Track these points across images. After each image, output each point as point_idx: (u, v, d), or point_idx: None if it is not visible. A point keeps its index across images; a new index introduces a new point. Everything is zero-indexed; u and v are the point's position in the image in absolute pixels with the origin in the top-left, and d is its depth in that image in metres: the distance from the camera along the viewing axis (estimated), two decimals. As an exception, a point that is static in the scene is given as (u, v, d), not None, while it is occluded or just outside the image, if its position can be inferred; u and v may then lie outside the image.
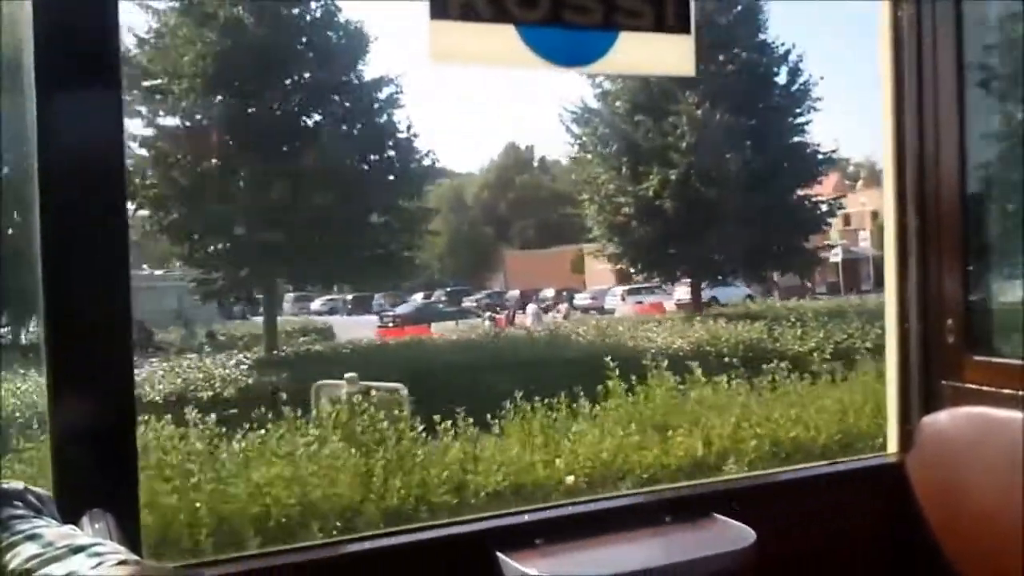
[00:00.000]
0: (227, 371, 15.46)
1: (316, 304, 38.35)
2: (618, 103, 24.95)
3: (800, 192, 25.77)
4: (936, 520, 2.83)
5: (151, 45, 19.67)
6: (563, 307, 32.81)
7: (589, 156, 26.00)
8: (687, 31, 2.72)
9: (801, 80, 25.49)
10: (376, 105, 21.58)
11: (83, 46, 1.97)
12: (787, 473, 3.40)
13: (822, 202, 26.55)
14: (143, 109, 19.77)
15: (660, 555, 2.52)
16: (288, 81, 20.39)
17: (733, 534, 2.49)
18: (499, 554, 2.34)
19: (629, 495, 2.97)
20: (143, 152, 19.62)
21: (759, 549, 2.40)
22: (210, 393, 13.82)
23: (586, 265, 47.36)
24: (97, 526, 1.72)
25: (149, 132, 19.52)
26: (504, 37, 2.55)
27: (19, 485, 1.36)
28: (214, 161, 19.51)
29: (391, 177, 21.57)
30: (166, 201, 19.27)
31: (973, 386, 2.84)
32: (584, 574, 2.41)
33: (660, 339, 17.88)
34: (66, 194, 1.95)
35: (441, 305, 33.28)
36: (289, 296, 36.66)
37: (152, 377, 14.44)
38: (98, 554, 1.18)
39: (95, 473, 1.96)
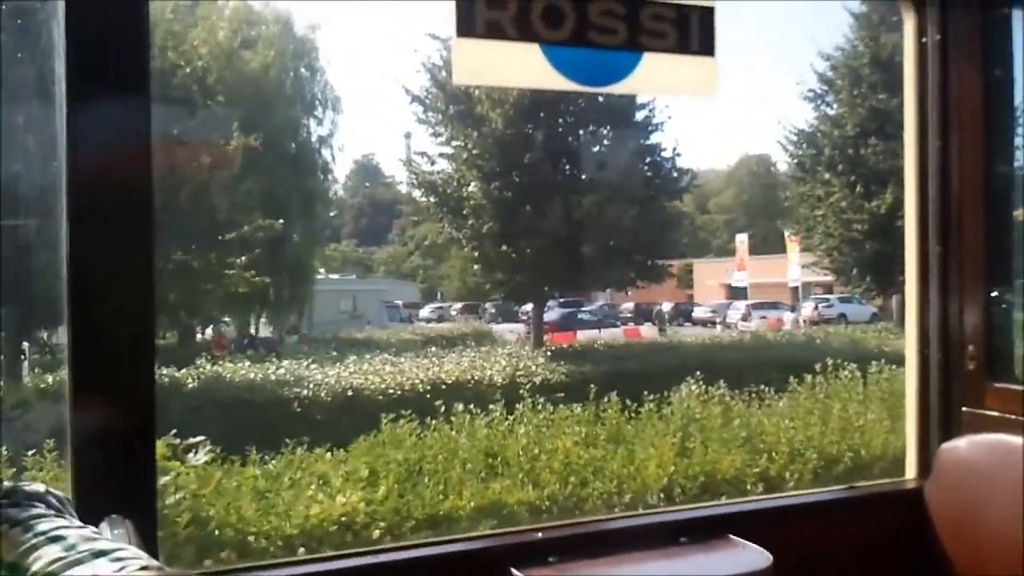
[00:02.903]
0: (526, 363, 16.76)
1: (424, 312, 39.82)
2: (847, 127, 25.11)
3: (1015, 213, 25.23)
4: (953, 546, 2.74)
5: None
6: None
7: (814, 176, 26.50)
8: (711, 54, 2.73)
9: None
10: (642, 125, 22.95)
11: (114, 55, 1.96)
12: (804, 496, 3.31)
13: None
14: (444, 132, 21.44)
15: None
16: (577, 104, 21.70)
17: (749, 556, 2.46)
18: (514, 571, 2.34)
19: (644, 514, 2.95)
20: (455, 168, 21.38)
21: (774, 572, 2.37)
22: (539, 379, 15.14)
23: (696, 280, 47.41)
24: (116, 532, 1.70)
25: (474, 152, 20.91)
26: (529, 56, 2.58)
27: (40, 487, 1.35)
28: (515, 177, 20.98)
29: (651, 193, 22.79)
30: (483, 212, 20.70)
31: (993, 413, 2.75)
32: None
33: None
34: (94, 201, 1.94)
35: (582, 315, 34.25)
36: (398, 302, 38.19)
37: (480, 364, 16.10)
38: (120, 559, 1.16)
39: (114, 479, 1.92)
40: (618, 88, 2.77)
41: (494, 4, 2.53)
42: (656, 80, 2.78)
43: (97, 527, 1.63)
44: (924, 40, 2.89)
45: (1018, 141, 2.84)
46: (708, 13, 2.72)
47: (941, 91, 2.87)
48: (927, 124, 2.89)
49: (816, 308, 34.50)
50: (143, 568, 1.15)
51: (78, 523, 1.32)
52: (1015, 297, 2.89)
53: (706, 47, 2.72)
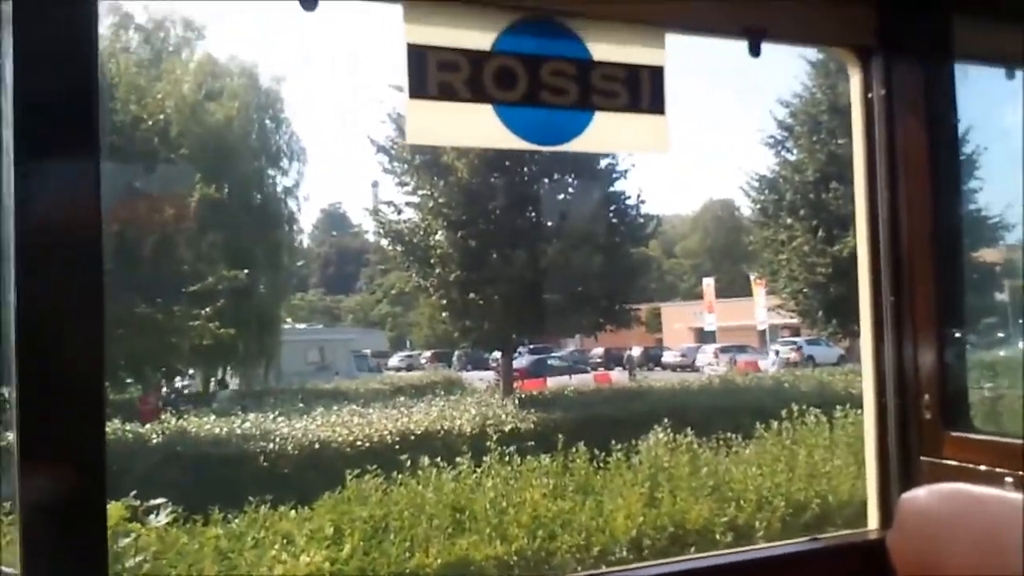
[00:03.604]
0: (496, 411, 16.60)
1: (393, 360, 39.83)
2: (808, 172, 25.57)
3: (975, 254, 25.82)
4: None
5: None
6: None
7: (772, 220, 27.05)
8: (662, 112, 2.78)
9: (969, 150, 25.54)
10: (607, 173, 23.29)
11: (64, 113, 1.95)
12: (768, 549, 3.30)
13: (997, 265, 26.49)
14: (410, 181, 21.55)
15: None
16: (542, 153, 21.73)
17: None
18: None
19: (609, 572, 2.92)
20: (419, 218, 21.52)
21: None
22: (509, 427, 15.04)
23: (664, 324, 47.81)
24: None
25: (440, 201, 21.00)
26: (482, 116, 2.61)
27: None
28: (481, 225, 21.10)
29: (616, 239, 23.00)
30: (450, 260, 20.81)
31: (952, 462, 2.77)
32: None
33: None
34: (42, 259, 1.90)
35: (552, 361, 34.54)
36: (367, 351, 38.23)
37: (450, 414, 15.95)
38: None
39: (64, 549, 1.87)
40: (571, 147, 2.80)
41: (446, 66, 2.55)
42: (608, 138, 2.81)
43: None
44: (870, 95, 2.95)
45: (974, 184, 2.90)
46: (658, 72, 2.76)
47: (888, 144, 2.92)
48: (876, 176, 2.94)
49: (799, 349, 34.84)
50: None
51: None
52: (973, 339, 2.92)
53: (657, 105, 2.76)
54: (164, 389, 23.74)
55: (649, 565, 3.12)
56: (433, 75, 2.57)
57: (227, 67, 27.09)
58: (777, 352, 35.29)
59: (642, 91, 2.74)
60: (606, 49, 2.71)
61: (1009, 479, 2.57)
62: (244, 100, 26.26)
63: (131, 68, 21.16)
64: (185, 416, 15.65)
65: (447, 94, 2.57)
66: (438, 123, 2.64)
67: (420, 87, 2.55)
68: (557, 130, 2.75)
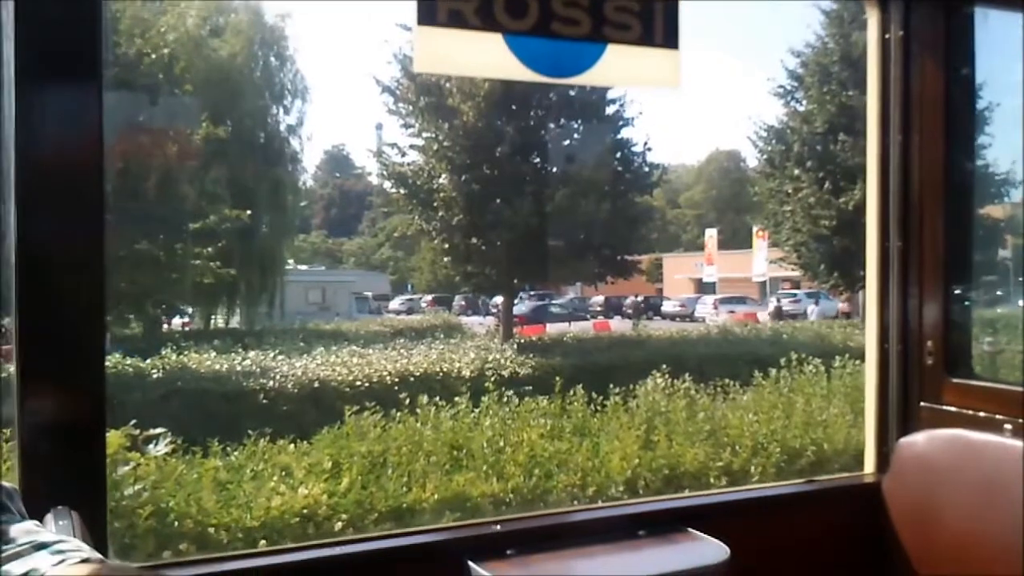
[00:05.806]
0: (495, 355, 16.67)
1: (394, 304, 40.07)
2: (817, 123, 25.29)
3: (981, 211, 25.64)
4: (911, 541, 2.76)
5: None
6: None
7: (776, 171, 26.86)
8: (675, 46, 2.73)
9: (981, 106, 25.30)
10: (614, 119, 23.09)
11: (65, 41, 1.92)
12: (762, 490, 3.31)
13: (1001, 222, 26.38)
14: (415, 123, 21.33)
15: (632, 569, 2.48)
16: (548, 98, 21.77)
17: (707, 550, 2.46)
18: (470, 563, 2.33)
19: (603, 507, 2.94)
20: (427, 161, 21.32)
21: (732, 565, 2.38)
22: (508, 372, 15.23)
23: (665, 274, 48.08)
24: (61, 523, 1.69)
25: (445, 144, 20.83)
26: (491, 46, 2.56)
27: None
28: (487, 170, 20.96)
29: (622, 187, 22.86)
30: (453, 204, 20.71)
31: (951, 408, 2.77)
32: None
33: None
34: (43, 187, 1.90)
35: (552, 308, 34.79)
36: (368, 294, 38.41)
37: (449, 357, 16.00)
38: (61, 551, 1.13)
39: (62, 470, 1.90)
40: (581, 79, 2.76)
41: None
42: (620, 72, 2.75)
43: (43, 519, 1.62)
44: (887, 36, 2.90)
45: (983, 140, 2.85)
46: (672, 5, 2.71)
47: (903, 87, 2.88)
48: (889, 120, 2.91)
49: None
50: (83, 561, 1.11)
51: (19, 516, 1.27)
52: (975, 294, 2.90)
53: (670, 40, 2.71)
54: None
55: (643, 502, 3.13)
56: (443, 1, 2.52)
57: (232, 2, 26.76)
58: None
59: (655, 25, 2.69)
60: (620, -20, 2.65)
61: (1008, 426, 2.58)
62: (248, 36, 25.93)
63: (136, 1, 20.90)
64: (185, 352, 15.66)
65: (456, 21, 2.53)
66: (447, 51, 2.59)
67: (429, 13, 2.51)
68: (568, 62, 2.69)
